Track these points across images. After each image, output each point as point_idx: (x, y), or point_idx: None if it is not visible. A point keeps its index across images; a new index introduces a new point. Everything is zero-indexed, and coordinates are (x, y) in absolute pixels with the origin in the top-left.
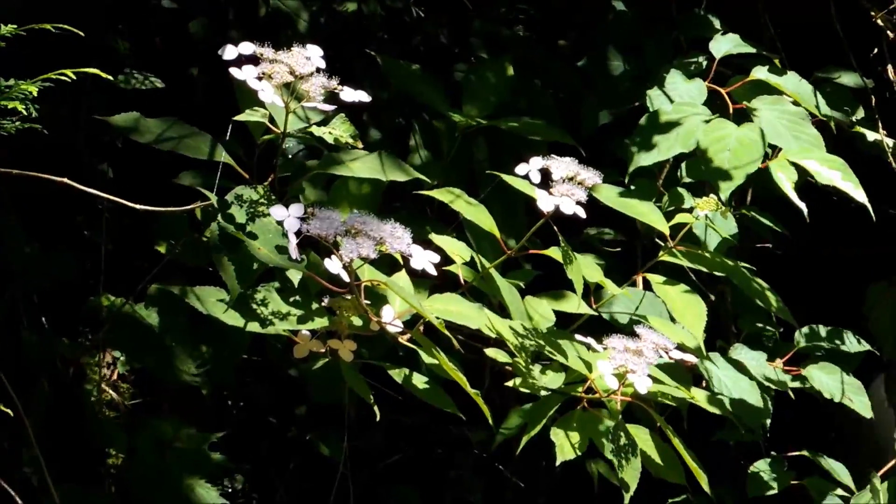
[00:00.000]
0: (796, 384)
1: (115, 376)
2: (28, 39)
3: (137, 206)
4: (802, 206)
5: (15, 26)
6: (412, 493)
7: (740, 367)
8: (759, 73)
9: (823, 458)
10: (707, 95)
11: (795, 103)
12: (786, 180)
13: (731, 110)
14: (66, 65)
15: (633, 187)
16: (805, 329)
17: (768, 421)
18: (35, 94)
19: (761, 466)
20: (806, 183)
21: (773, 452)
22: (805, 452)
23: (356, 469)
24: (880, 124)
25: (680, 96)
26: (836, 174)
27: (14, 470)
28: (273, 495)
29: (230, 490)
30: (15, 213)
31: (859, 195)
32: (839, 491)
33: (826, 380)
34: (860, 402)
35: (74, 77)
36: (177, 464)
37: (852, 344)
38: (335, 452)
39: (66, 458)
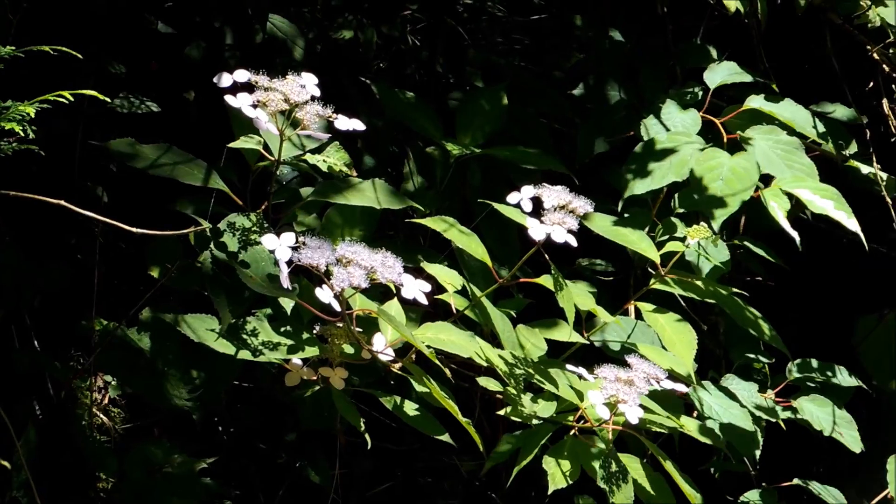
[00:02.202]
0: (787, 415)
1: (106, 400)
2: (26, 61)
3: (132, 230)
4: (795, 234)
5: (13, 48)
6: None
7: (731, 396)
8: (755, 101)
9: (815, 484)
10: (702, 125)
11: (790, 133)
12: (778, 209)
13: (725, 140)
14: (63, 87)
15: (626, 216)
16: (797, 361)
17: (758, 452)
18: (32, 115)
19: (752, 497)
20: (798, 217)
21: (763, 483)
22: (797, 481)
23: (345, 496)
24: (874, 158)
25: (674, 126)
26: (828, 203)
27: (4, 492)
28: None
29: None
30: (9, 234)
31: (852, 224)
32: None
33: (817, 413)
34: (850, 437)
35: (72, 98)
36: (167, 489)
37: (844, 378)
38: (324, 479)
39: (56, 481)
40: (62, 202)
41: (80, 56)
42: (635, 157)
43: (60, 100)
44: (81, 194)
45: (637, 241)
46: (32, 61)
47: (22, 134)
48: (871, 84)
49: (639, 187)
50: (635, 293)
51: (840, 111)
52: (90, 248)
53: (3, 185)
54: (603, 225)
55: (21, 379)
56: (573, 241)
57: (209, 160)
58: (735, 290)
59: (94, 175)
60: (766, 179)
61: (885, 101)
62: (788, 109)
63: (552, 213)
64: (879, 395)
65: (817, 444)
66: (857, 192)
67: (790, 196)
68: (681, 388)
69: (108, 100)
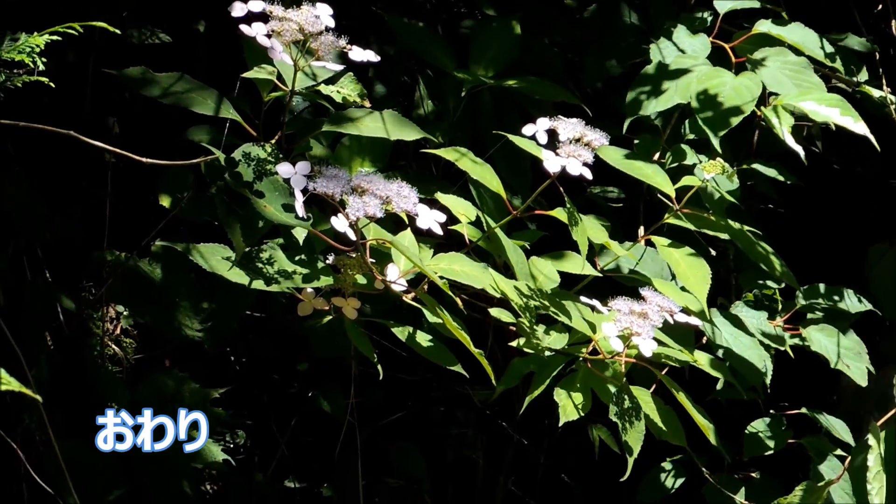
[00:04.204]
0: (795, 341)
1: (117, 331)
2: None
3: (143, 160)
4: (799, 149)
5: None
6: (414, 449)
7: (740, 325)
8: (763, 26)
9: (823, 415)
10: (711, 50)
11: (798, 53)
12: (782, 125)
13: (733, 63)
14: (73, 19)
15: (636, 142)
16: (805, 287)
17: (768, 379)
18: (42, 46)
19: (759, 426)
20: (811, 152)
21: (771, 411)
22: (804, 410)
23: (358, 425)
24: (884, 81)
25: (684, 51)
26: (834, 111)
27: (17, 424)
28: (275, 450)
29: (232, 445)
30: (20, 166)
31: (860, 128)
32: (839, 451)
33: (825, 342)
34: (857, 370)
35: (81, 30)
36: None
37: (852, 303)
38: (337, 409)
39: (68, 412)
40: (71, 132)
41: None
42: (642, 80)
43: (70, 31)
44: (93, 126)
45: (652, 174)
46: None
47: (32, 66)
48: (880, 6)
49: (645, 109)
50: (646, 222)
51: (851, 39)
52: (101, 180)
53: (14, 118)
54: (616, 157)
55: (33, 310)
56: (588, 174)
57: (221, 93)
58: (748, 228)
59: (105, 107)
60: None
61: (893, 23)
62: (797, 32)
63: (567, 145)
64: (892, 322)
65: (827, 371)
66: (872, 120)
67: (795, 112)
68: (695, 321)
69: (117, 31)
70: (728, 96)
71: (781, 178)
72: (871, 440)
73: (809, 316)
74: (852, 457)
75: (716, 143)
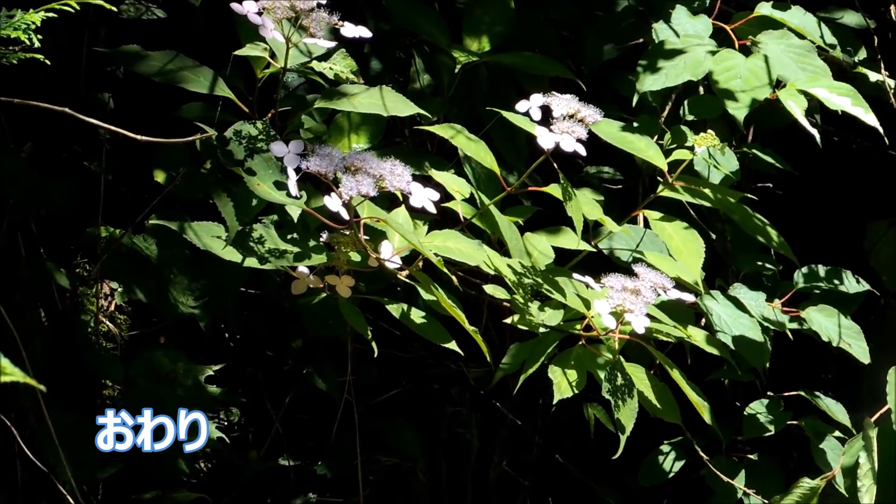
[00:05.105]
0: (794, 325)
1: (112, 307)
2: None
3: (138, 137)
4: (815, 132)
5: None
6: (408, 427)
7: (740, 306)
8: (764, 8)
9: (821, 397)
10: (712, 31)
11: (800, 37)
12: (796, 108)
13: (736, 46)
14: None
15: (635, 123)
16: (804, 269)
17: (767, 363)
18: (38, 23)
19: (757, 407)
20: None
21: (769, 393)
22: (802, 392)
23: (354, 403)
24: (882, 65)
25: (685, 31)
26: (845, 100)
27: (10, 401)
28: (269, 428)
29: (226, 423)
30: (14, 142)
31: (870, 119)
32: (837, 433)
33: (825, 323)
34: (858, 347)
35: (78, 7)
36: (173, 396)
37: (851, 284)
38: (331, 386)
39: (62, 388)
40: (66, 109)
41: None
42: (649, 55)
43: (66, 8)
44: (88, 103)
45: (644, 148)
46: None
47: (27, 42)
48: None
49: (652, 84)
50: (643, 201)
51: (849, 17)
52: (96, 156)
53: (9, 94)
54: (610, 131)
55: (27, 287)
56: (582, 151)
57: (215, 69)
58: (744, 194)
59: (100, 82)
60: (779, 84)
61: (892, 7)
62: (797, 17)
63: (561, 121)
64: (888, 302)
65: (824, 353)
66: (867, 99)
67: (806, 95)
68: (688, 297)
69: (114, 9)
70: (745, 77)
71: (780, 166)
72: (863, 437)
73: (809, 298)
74: (845, 453)
75: (740, 117)
